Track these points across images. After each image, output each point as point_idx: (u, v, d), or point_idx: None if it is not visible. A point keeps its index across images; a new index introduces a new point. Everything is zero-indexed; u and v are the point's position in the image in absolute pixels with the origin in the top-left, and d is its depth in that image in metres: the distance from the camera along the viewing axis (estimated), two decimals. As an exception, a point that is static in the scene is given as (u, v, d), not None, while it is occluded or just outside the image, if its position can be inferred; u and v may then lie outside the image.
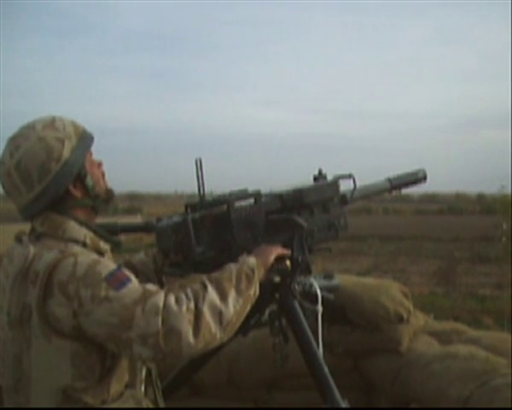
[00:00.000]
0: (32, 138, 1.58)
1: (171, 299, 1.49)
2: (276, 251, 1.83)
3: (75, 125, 1.65)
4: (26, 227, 1.68)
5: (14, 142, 1.59)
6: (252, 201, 1.93)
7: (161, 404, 1.84)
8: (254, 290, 1.67)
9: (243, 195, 1.91)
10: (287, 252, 1.89)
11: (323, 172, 2.17)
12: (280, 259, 1.86)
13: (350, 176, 2.19)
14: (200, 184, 1.84)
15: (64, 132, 1.61)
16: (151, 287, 1.53)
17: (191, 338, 1.47)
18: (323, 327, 2.01)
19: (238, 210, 1.86)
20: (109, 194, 1.73)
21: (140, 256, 2.04)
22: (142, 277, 1.90)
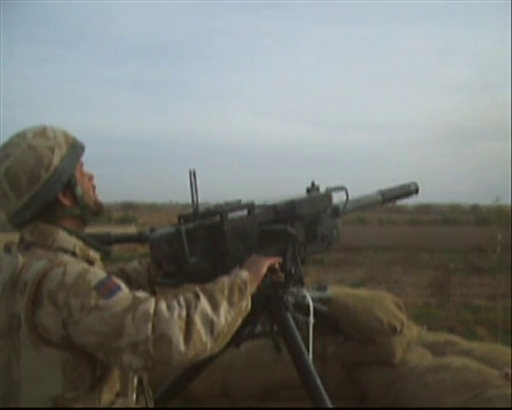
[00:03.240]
0: (22, 146, 1.58)
1: (163, 306, 1.48)
2: (268, 262, 1.83)
3: (66, 135, 1.66)
4: (14, 237, 1.68)
5: (4, 150, 1.60)
6: (245, 212, 1.94)
7: None
8: (246, 303, 1.67)
9: (236, 206, 1.92)
10: (279, 262, 1.90)
11: (316, 183, 2.18)
12: (272, 270, 1.87)
13: (342, 188, 2.20)
14: (194, 195, 1.85)
15: (54, 141, 1.61)
16: (141, 294, 1.53)
17: (182, 346, 1.46)
18: (317, 339, 2.01)
19: (231, 221, 1.87)
20: (98, 206, 1.73)
21: (134, 265, 2.04)
22: (136, 285, 1.91)
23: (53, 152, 1.60)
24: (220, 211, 1.86)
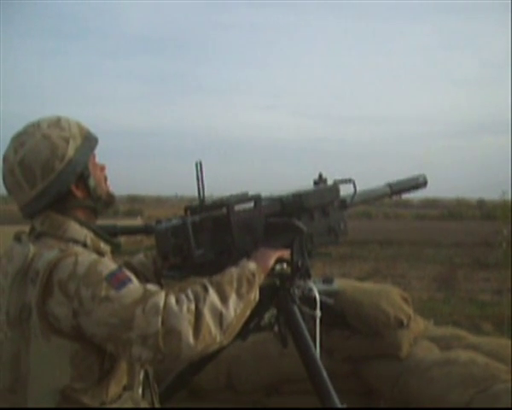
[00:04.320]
0: (36, 136, 1.58)
1: (172, 299, 1.49)
2: (276, 255, 1.83)
3: (80, 126, 1.66)
4: (25, 228, 1.68)
5: (19, 139, 1.59)
6: (251, 204, 1.92)
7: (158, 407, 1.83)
8: (255, 295, 1.67)
9: (243, 198, 1.91)
10: (286, 255, 1.88)
11: (324, 176, 2.16)
12: (279, 262, 1.86)
13: (350, 181, 2.19)
14: (200, 187, 1.84)
15: (69, 132, 1.61)
16: (152, 287, 1.53)
17: (191, 339, 1.46)
18: (323, 332, 2.01)
19: (238, 213, 1.86)
20: (110, 198, 1.73)
21: (139, 258, 2.03)
22: (142, 278, 1.90)
23: (67, 143, 1.59)
24: (227, 203, 1.84)
